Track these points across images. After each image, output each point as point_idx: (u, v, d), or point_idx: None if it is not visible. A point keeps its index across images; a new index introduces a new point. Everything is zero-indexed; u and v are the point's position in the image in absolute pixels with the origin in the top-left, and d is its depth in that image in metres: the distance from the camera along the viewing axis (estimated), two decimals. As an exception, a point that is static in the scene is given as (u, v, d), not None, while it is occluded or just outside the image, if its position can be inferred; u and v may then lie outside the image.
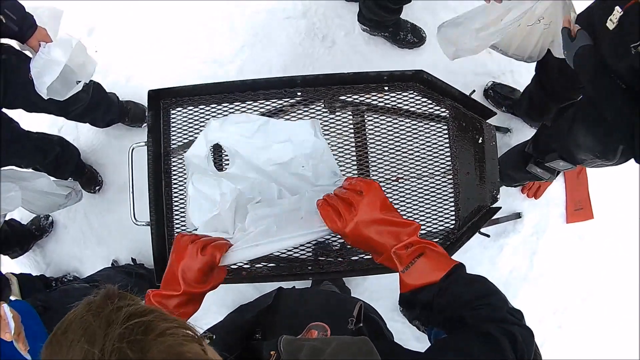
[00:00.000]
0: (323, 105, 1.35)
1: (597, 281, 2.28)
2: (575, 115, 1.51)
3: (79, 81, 1.55)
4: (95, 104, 1.89)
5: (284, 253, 1.33)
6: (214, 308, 2.14)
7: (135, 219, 1.41)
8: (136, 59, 2.30)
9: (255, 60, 2.26)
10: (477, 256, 2.19)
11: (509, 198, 2.21)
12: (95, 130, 2.26)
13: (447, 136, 1.37)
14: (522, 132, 2.18)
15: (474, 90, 1.44)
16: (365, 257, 1.33)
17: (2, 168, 1.63)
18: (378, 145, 1.34)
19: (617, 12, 1.02)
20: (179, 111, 1.44)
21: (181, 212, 1.40)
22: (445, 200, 1.36)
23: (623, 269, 2.26)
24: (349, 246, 1.34)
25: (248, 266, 1.33)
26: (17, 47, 1.54)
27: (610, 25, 1.06)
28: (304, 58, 2.24)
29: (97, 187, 2.26)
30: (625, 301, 2.26)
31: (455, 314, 0.70)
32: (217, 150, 1.36)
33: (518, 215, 2.19)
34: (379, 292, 2.12)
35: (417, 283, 0.75)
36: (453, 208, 1.37)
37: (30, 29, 1.41)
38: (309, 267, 1.30)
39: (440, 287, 0.73)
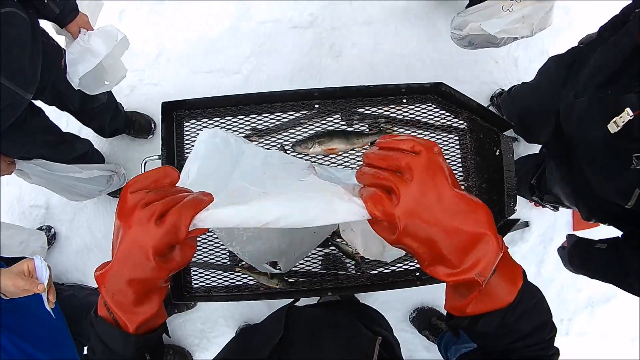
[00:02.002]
0: (340, 118, 1.34)
1: (604, 289, 2.29)
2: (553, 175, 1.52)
3: (108, 83, 1.51)
4: (106, 107, 1.86)
5: (302, 268, 1.31)
6: (222, 321, 2.11)
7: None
8: (140, 68, 2.28)
9: (262, 70, 2.24)
10: (485, 265, 2.18)
11: (517, 207, 2.21)
12: (100, 140, 2.22)
13: (464, 148, 1.37)
14: (530, 141, 2.18)
15: (490, 104, 1.43)
16: (384, 270, 1.31)
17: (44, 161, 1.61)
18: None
19: (627, 114, 0.87)
20: (192, 123, 1.42)
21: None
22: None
23: (629, 276, 2.27)
24: (396, 258, 1.32)
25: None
26: (54, 32, 1.48)
27: (614, 127, 0.90)
28: (311, 68, 2.23)
29: None
30: (633, 309, 2.26)
31: (506, 347, 0.58)
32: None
33: (526, 224, 2.20)
34: (389, 302, 2.10)
35: (482, 310, 0.54)
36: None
37: (71, 14, 1.37)
38: (328, 283, 1.28)
39: (505, 321, 0.55)
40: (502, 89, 2.19)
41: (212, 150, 0.83)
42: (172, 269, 0.54)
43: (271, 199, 0.55)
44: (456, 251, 0.51)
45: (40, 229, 2.23)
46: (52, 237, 2.23)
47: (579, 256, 1.34)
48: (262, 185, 0.67)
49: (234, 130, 1.38)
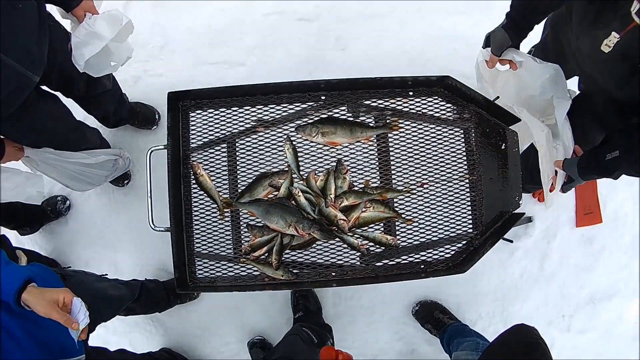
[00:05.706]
0: (347, 110, 1.34)
1: (606, 284, 2.29)
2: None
3: (114, 63, 1.50)
4: (111, 95, 1.85)
5: (307, 259, 1.32)
6: (225, 312, 2.12)
7: (153, 224, 1.39)
8: (145, 59, 2.27)
9: (267, 62, 2.23)
10: (488, 259, 2.17)
11: (521, 201, 2.21)
12: (104, 131, 2.21)
13: (470, 142, 1.37)
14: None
15: (497, 97, 1.43)
16: (389, 262, 1.32)
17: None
18: (402, 150, 1.33)
19: (614, 37, 1.05)
20: (198, 114, 1.42)
21: (200, 217, 1.38)
22: (468, 205, 1.36)
23: (632, 272, 2.27)
24: (373, 249, 1.33)
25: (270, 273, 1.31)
26: (60, 15, 1.47)
27: (606, 49, 1.09)
28: (316, 61, 2.22)
29: (125, 181, 2.21)
30: (634, 307, 2.27)
31: None
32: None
33: (529, 220, 2.19)
34: (391, 295, 2.11)
35: None
36: (476, 213, 1.36)
37: None
38: (333, 273, 1.29)
39: None
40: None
41: None
42: None
43: None
44: None
45: (56, 197, 2.22)
46: (67, 209, 2.23)
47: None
48: None
49: (240, 121, 1.38)
